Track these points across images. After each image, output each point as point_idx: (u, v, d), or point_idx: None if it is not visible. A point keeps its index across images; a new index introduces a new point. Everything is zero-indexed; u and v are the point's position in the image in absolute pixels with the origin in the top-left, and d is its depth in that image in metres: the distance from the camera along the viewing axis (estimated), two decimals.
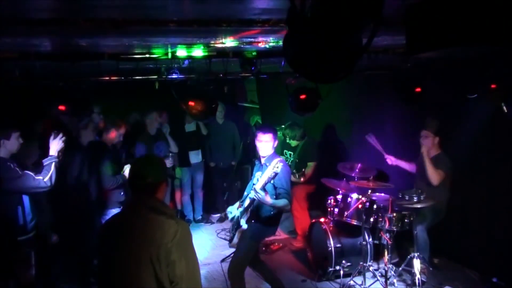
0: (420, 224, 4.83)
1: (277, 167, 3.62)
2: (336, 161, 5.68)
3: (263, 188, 3.76)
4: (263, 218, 4.05)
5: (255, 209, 4.04)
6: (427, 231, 4.92)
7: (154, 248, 2.14)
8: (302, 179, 6.08)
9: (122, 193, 4.71)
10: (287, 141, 6.35)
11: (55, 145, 3.91)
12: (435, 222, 4.98)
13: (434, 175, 4.81)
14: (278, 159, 3.85)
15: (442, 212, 4.96)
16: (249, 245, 4.09)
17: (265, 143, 4.07)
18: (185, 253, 2.20)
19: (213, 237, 6.73)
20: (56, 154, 3.89)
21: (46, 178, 3.74)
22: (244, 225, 4.01)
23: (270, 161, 3.92)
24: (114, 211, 4.51)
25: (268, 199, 3.81)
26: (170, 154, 6.09)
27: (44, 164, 3.82)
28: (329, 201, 5.23)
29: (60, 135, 3.94)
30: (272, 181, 3.78)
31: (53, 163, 3.81)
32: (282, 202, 3.92)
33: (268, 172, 3.68)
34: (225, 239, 6.53)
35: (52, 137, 3.92)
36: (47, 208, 4.33)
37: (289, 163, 6.23)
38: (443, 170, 4.85)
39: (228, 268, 4.16)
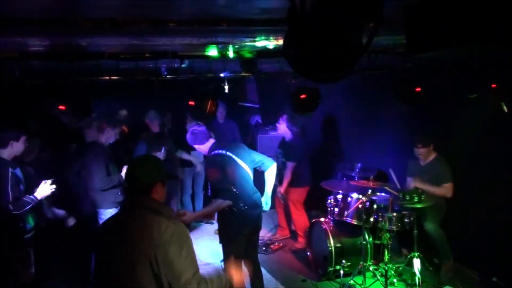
0: (432, 223, 4.84)
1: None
2: (333, 160, 5.67)
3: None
4: (220, 221, 4.19)
5: None
6: (440, 227, 4.90)
7: (151, 248, 2.14)
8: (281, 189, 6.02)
9: (119, 193, 4.69)
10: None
11: (43, 191, 3.91)
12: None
13: (444, 192, 4.80)
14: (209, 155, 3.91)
15: (442, 209, 4.94)
16: (226, 248, 4.17)
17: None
18: (182, 253, 2.19)
19: (213, 237, 6.72)
20: (39, 198, 3.90)
21: (16, 212, 3.76)
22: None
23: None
24: (111, 211, 4.50)
25: (196, 214, 4.00)
26: (163, 148, 5.76)
27: (24, 199, 3.82)
28: (329, 201, 5.22)
29: (51, 182, 3.94)
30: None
31: (31, 205, 3.83)
32: (216, 204, 3.89)
33: None
34: None
35: (43, 182, 3.92)
36: (43, 208, 4.33)
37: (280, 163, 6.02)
38: (450, 180, 4.81)
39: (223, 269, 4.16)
